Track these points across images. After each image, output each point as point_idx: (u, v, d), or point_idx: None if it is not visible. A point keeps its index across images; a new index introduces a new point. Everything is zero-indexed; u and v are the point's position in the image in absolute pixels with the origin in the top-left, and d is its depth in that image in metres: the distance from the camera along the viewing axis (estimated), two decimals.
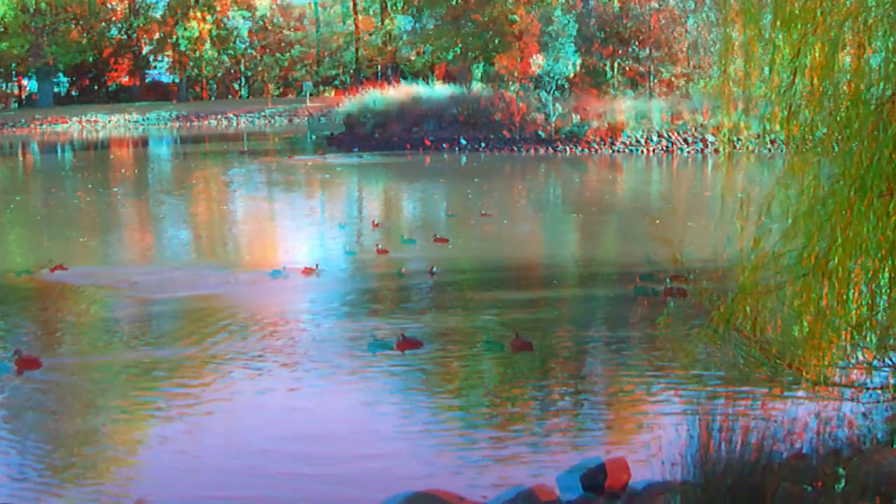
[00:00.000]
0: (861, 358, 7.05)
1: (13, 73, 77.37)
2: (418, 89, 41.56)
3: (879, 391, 7.08)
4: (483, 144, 36.56)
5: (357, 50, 77.17)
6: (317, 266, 14.85)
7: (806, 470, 5.98)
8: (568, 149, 35.36)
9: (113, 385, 9.83)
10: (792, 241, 6.29)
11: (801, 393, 7.60)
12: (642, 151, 34.98)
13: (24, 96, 79.02)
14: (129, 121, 63.21)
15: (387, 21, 71.64)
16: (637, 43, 40.28)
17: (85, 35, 74.22)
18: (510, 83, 39.57)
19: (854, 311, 6.40)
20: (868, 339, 6.82)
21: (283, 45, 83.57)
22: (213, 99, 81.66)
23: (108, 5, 77.76)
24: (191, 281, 14.40)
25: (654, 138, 35.59)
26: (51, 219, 21.79)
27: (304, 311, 12.70)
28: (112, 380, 10.01)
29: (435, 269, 14.60)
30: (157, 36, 78.78)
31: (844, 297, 6.26)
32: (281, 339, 11.04)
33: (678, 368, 9.52)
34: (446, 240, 17.18)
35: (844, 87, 6.27)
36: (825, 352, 6.44)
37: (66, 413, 8.91)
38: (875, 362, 7.04)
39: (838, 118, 6.23)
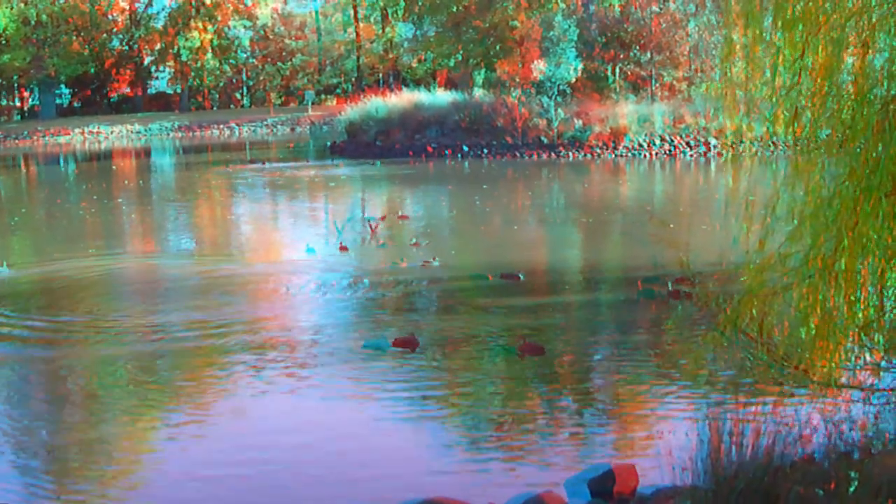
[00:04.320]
0: (869, 359, 7.01)
1: (15, 85, 77.68)
2: (420, 96, 41.55)
3: (889, 392, 7.04)
4: (486, 151, 36.57)
5: (358, 58, 77.47)
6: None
7: (817, 473, 5.93)
8: (571, 154, 35.36)
9: None
10: (798, 242, 6.26)
11: (809, 395, 7.56)
12: (645, 155, 34.98)
13: (26, 108, 79.26)
14: (132, 132, 63.37)
15: (388, 29, 71.87)
16: (638, 47, 40.31)
17: (86, 46, 74.42)
18: (512, 89, 39.58)
19: (861, 313, 6.36)
20: (876, 340, 6.78)
21: (284, 53, 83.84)
22: (215, 109, 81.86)
23: (110, 16, 77.98)
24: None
25: (657, 142, 35.59)
26: (56, 229, 21.84)
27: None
28: None
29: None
30: (158, 46, 79.06)
31: (851, 298, 6.23)
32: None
33: (686, 372, 9.48)
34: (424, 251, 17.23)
35: (849, 88, 6.24)
36: (833, 353, 6.40)
37: None
38: (883, 363, 7.00)
39: (843, 118, 6.20)
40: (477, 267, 15.11)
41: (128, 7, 79.14)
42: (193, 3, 74.82)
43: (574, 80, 37.72)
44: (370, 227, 19.09)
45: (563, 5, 44.20)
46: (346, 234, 18.27)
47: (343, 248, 16.78)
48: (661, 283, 13.03)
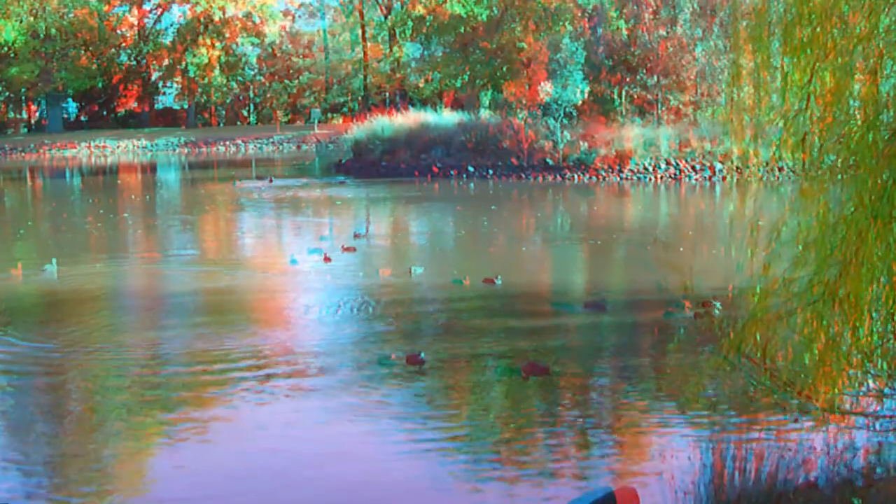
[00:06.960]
0: (873, 386, 6.99)
1: (23, 98, 78.02)
2: (426, 116, 41.64)
3: (892, 419, 7.02)
4: (491, 172, 36.60)
5: (365, 77, 77.72)
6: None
7: (820, 500, 5.92)
8: (576, 176, 35.37)
9: None
10: (802, 267, 6.25)
11: (812, 421, 7.53)
12: (650, 179, 34.98)
13: (33, 122, 79.59)
14: (138, 147, 63.57)
15: (395, 48, 72.01)
16: (645, 70, 40.35)
17: (94, 61, 74.82)
18: (518, 110, 39.64)
19: (865, 339, 6.35)
20: (880, 366, 6.76)
21: (291, 71, 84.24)
22: (221, 125, 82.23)
23: (118, 31, 78.35)
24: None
25: (662, 166, 35.59)
26: (61, 241, 21.89)
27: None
28: None
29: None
30: (166, 62, 79.46)
31: (856, 324, 6.21)
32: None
33: (689, 396, 9.44)
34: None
35: (856, 114, 6.25)
36: (836, 380, 6.38)
37: None
38: (887, 390, 6.98)
39: (850, 144, 6.21)
40: (468, 284, 15.10)
41: (136, 23, 79.57)
42: (202, 19, 75.15)
43: (580, 102, 37.74)
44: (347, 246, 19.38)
45: (570, 28, 44.36)
46: (335, 253, 18.38)
47: (327, 259, 17.26)
48: (671, 307, 12.99)
